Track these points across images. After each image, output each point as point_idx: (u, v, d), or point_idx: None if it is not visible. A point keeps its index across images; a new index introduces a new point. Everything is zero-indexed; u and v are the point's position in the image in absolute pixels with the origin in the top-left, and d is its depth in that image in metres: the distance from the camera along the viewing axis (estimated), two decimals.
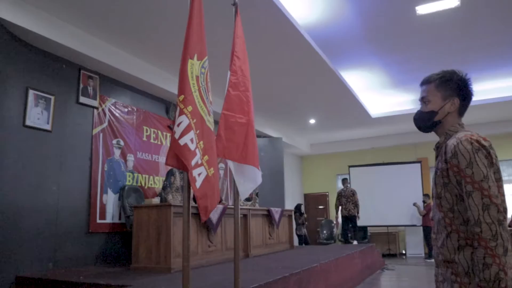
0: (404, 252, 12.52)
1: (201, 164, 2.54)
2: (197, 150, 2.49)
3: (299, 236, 11.81)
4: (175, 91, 7.34)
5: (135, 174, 6.86)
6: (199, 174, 2.51)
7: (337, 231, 13.34)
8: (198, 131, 2.50)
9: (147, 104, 7.37)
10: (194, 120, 2.49)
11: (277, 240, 8.19)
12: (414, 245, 12.13)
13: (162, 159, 7.50)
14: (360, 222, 11.64)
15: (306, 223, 12.39)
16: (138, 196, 6.64)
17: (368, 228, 12.34)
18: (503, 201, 1.46)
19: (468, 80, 1.69)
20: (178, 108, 2.47)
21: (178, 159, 2.46)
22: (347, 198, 10.57)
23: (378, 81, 9.17)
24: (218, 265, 5.85)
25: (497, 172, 1.49)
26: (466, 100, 1.69)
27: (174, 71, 7.32)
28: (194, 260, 5.58)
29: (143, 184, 6.98)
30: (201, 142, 2.53)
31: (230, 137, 2.98)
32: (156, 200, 5.64)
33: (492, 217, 1.38)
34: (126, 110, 6.85)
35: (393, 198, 11.92)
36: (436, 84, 1.72)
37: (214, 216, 5.91)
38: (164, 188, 6.27)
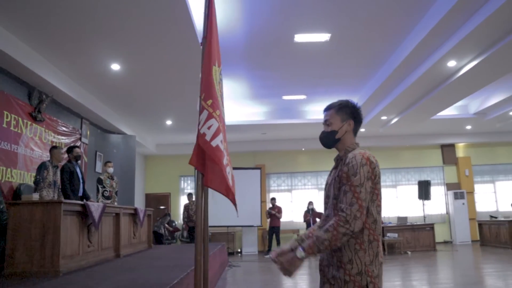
0: (239, 250, 13.52)
1: (228, 164, 2.66)
2: (225, 151, 2.60)
3: None
4: (43, 75, 6.77)
5: None
6: (228, 173, 2.62)
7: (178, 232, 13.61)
8: (224, 134, 2.62)
9: (8, 86, 6.46)
10: (221, 124, 2.60)
11: (139, 239, 8.07)
12: (250, 244, 13.24)
13: (21, 149, 6.65)
14: None
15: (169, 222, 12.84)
16: None
17: (209, 228, 12.90)
18: (380, 207, 1.99)
19: (359, 108, 2.16)
20: (206, 112, 2.54)
21: (199, 161, 2.53)
22: (194, 211, 11.23)
23: (240, 92, 9.86)
24: (97, 266, 5.57)
25: (378, 183, 1.97)
26: (358, 122, 2.13)
27: (45, 52, 6.62)
28: (75, 262, 5.23)
29: None
30: (225, 144, 2.65)
31: None
32: (36, 196, 5.04)
33: (352, 211, 1.87)
34: None
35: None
36: (336, 110, 2.11)
37: (96, 214, 5.61)
38: (36, 183, 5.66)
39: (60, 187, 6.11)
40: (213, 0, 2.95)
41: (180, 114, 10.49)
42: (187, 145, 13.87)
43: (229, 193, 2.69)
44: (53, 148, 6.02)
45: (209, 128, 2.56)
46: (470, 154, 14.89)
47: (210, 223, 11.37)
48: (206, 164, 2.66)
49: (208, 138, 2.55)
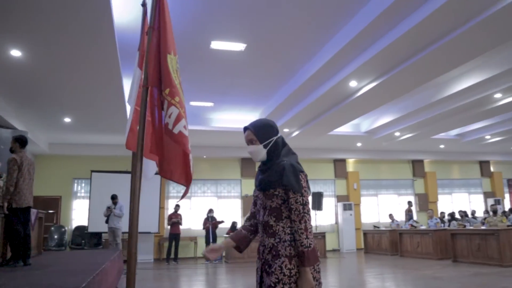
0: None
1: (190, 151, 2.62)
2: (189, 137, 2.56)
3: None
4: None
5: None
6: (190, 159, 2.58)
7: (67, 238, 12.70)
8: (187, 119, 2.59)
9: None
10: (183, 109, 2.56)
11: None
12: (146, 251, 12.84)
13: None
14: (94, 228, 11.73)
15: None
16: None
17: (103, 234, 12.28)
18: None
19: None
20: (166, 102, 2.48)
21: (153, 150, 2.48)
22: None
23: None
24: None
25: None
26: None
27: None
28: None
29: None
30: (188, 130, 2.62)
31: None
32: None
33: None
34: None
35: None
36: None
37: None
38: None
39: None
40: None
41: (82, 112, 9.81)
42: (84, 145, 13.11)
43: (188, 182, 2.66)
44: None
45: (170, 116, 2.53)
46: (359, 169, 16.24)
47: (103, 228, 10.80)
48: (164, 155, 2.62)
49: (170, 126, 2.53)
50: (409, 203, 15.13)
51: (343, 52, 6.80)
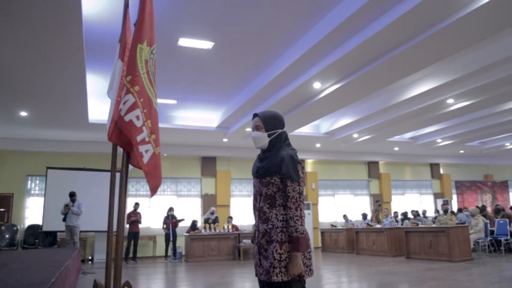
0: (91, 257, 12.70)
1: (149, 142, 2.61)
2: (143, 128, 2.56)
3: None
4: None
5: None
6: (146, 151, 2.58)
7: (19, 237, 12.21)
8: (145, 110, 2.58)
9: None
10: (141, 100, 2.56)
11: None
12: (103, 250, 12.52)
13: None
14: (49, 227, 11.40)
15: None
16: None
17: (58, 233, 11.89)
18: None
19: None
20: (125, 88, 2.49)
21: (121, 137, 2.47)
22: None
23: (106, 89, 9.40)
24: None
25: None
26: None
27: None
28: None
29: None
30: (149, 121, 2.61)
31: None
32: None
33: None
34: None
35: (88, 204, 11.98)
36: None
37: None
38: None
39: None
40: None
41: (41, 106, 9.39)
42: (40, 141, 12.63)
43: (145, 175, 2.68)
44: None
45: (124, 103, 2.57)
46: (317, 170, 16.61)
47: (57, 227, 10.42)
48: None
49: (122, 113, 2.56)
50: (377, 202, 15.77)
51: (309, 54, 6.98)
